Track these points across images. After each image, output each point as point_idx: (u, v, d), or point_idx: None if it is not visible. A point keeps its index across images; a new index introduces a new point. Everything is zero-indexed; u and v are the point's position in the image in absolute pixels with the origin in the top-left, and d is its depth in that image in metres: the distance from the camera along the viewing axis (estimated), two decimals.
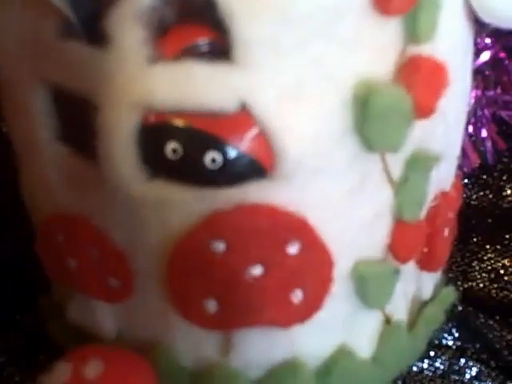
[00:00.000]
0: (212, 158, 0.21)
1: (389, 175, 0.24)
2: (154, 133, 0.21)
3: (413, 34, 0.22)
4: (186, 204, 0.22)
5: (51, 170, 0.25)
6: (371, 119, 0.22)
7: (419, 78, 0.23)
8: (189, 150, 0.21)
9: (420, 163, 0.25)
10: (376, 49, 0.22)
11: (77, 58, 0.22)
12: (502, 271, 0.38)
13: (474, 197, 0.40)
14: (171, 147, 0.21)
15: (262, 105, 0.21)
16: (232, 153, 0.21)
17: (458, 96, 0.26)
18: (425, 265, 0.29)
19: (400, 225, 0.26)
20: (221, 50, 0.20)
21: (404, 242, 0.26)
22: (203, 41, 0.20)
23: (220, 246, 0.22)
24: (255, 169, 0.21)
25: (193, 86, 0.21)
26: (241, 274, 0.23)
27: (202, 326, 0.24)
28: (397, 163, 0.24)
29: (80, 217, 0.25)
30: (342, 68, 0.22)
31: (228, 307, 0.24)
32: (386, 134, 0.23)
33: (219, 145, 0.21)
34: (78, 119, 0.24)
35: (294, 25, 0.20)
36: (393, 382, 0.31)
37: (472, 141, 0.36)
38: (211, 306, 0.24)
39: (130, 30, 0.21)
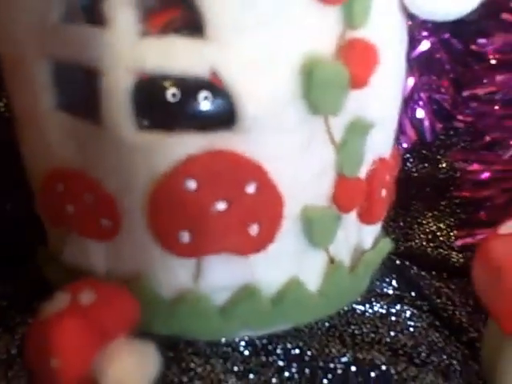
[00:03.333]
0: (205, 96, 0.26)
1: (331, 137, 0.30)
2: (155, 83, 0.27)
3: (349, 20, 0.28)
4: (167, 149, 0.27)
5: (52, 133, 0.30)
6: (315, 87, 0.27)
7: (354, 56, 0.28)
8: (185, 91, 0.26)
9: (357, 128, 0.31)
10: (320, 31, 0.28)
11: (80, 36, 0.27)
12: (438, 233, 0.45)
13: (415, 169, 0.46)
14: (171, 92, 0.26)
15: (227, 73, 0.26)
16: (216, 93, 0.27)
17: (390, 75, 0.32)
18: (364, 218, 0.34)
19: (341, 179, 0.31)
20: (196, 27, 0.26)
21: (344, 193, 0.31)
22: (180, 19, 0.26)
23: (192, 185, 0.28)
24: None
25: (174, 56, 0.26)
26: (208, 209, 0.28)
27: (177, 254, 0.30)
28: (338, 128, 0.30)
29: (76, 169, 0.30)
30: (293, 46, 0.27)
31: (198, 237, 0.29)
32: (327, 100, 0.28)
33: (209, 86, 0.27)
34: (77, 86, 0.30)
35: (254, 9, 0.26)
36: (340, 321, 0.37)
37: (410, 120, 0.42)
38: (185, 236, 0.29)
39: (124, 12, 0.26)
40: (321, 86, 0.27)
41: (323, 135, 0.30)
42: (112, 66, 0.27)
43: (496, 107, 0.40)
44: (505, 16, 0.37)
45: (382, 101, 0.32)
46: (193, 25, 0.26)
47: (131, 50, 0.26)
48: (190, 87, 0.27)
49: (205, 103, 0.27)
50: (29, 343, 0.29)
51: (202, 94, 0.27)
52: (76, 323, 0.28)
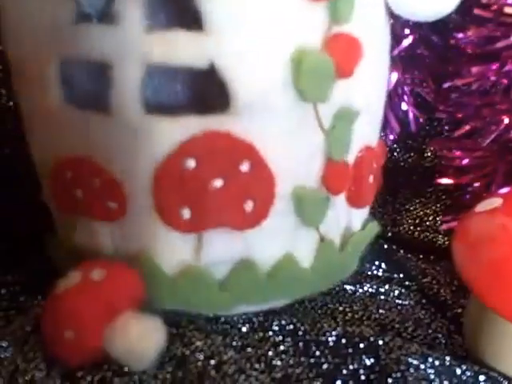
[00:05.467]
0: None
1: (320, 123, 0.32)
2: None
3: (334, 16, 0.31)
4: (169, 131, 0.30)
5: (60, 124, 0.33)
6: (304, 76, 0.30)
7: (339, 48, 0.31)
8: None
9: (344, 116, 0.33)
10: (308, 26, 0.30)
11: (91, 35, 0.30)
12: (424, 218, 0.47)
13: (401, 159, 0.48)
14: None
15: (223, 62, 0.29)
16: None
17: (374, 67, 0.34)
18: (353, 202, 0.37)
19: (330, 162, 0.33)
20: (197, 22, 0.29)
21: (333, 176, 0.34)
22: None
23: (192, 164, 0.30)
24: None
25: (176, 48, 0.29)
26: (207, 186, 0.31)
27: (179, 230, 0.32)
28: (326, 115, 0.32)
29: (84, 156, 0.32)
30: (283, 38, 0.30)
31: (198, 213, 0.31)
32: (314, 88, 0.31)
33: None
34: (82, 80, 0.32)
35: (248, 6, 0.29)
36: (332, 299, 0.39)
37: (395, 113, 0.45)
38: (186, 212, 0.31)
39: (132, 10, 0.29)
40: (309, 75, 0.30)
41: (312, 121, 0.32)
42: (122, 59, 0.29)
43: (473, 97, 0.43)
44: (477, 11, 0.40)
45: (367, 91, 0.34)
46: (192, 19, 0.29)
47: (140, 44, 0.29)
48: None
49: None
50: (45, 317, 0.31)
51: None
52: (88, 297, 0.31)
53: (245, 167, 0.31)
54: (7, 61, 0.35)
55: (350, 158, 0.35)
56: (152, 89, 0.30)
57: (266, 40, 0.29)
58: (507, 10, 0.40)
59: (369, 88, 0.35)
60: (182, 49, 0.29)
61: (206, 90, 0.30)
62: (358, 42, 0.32)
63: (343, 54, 0.31)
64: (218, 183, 0.31)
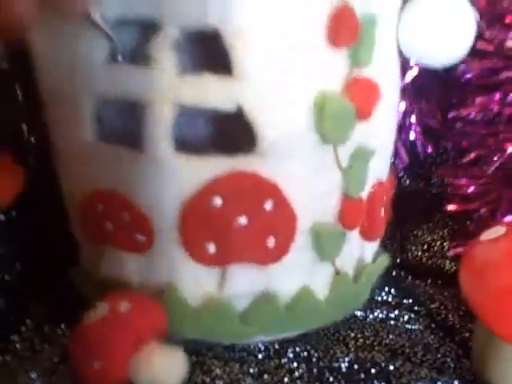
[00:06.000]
0: None
1: (339, 163, 0.34)
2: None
3: (355, 61, 0.32)
4: (197, 170, 0.31)
5: (92, 160, 0.34)
6: (326, 120, 0.31)
7: (359, 92, 0.32)
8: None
9: (361, 155, 0.35)
10: (330, 71, 0.32)
11: (125, 75, 0.31)
12: (432, 244, 0.48)
13: (409, 186, 0.49)
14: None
15: (250, 105, 0.30)
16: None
17: (389, 107, 0.36)
18: (366, 235, 0.38)
19: (346, 199, 0.35)
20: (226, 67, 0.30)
21: (349, 212, 0.35)
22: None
23: (218, 202, 0.32)
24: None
25: (206, 92, 0.30)
26: (232, 223, 0.32)
27: (204, 264, 0.33)
28: (344, 155, 0.34)
29: (115, 191, 0.34)
30: (307, 83, 0.31)
31: (222, 248, 0.33)
32: (336, 131, 0.32)
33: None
34: (114, 118, 0.33)
35: (274, 53, 0.30)
36: (343, 326, 0.41)
37: (403, 143, 0.46)
38: (211, 247, 0.33)
39: (166, 54, 0.30)
40: (331, 119, 0.31)
41: (332, 161, 0.34)
42: (155, 100, 0.31)
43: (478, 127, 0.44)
44: (480, 45, 0.41)
45: (382, 131, 0.36)
46: (221, 64, 0.30)
47: (172, 86, 0.31)
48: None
49: None
50: (74, 348, 0.32)
51: None
52: (115, 329, 0.32)
53: (268, 205, 0.32)
54: (32, 99, 0.36)
55: (364, 194, 0.37)
56: (182, 128, 0.32)
57: (291, 85, 0.31)
58: (508, 43, 0.41)
59: (384, 127, 0.36)
60: (211, 92, 0.30)
61: (234, 132, 0.32)
62: (376, 85, 0.33)
63: (363, 97, 0.33)
64: (243, 220, 0.32)
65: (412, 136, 0.46)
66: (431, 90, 0.46)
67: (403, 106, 0.45)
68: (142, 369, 0.32)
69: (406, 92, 0.45)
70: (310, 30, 0.30)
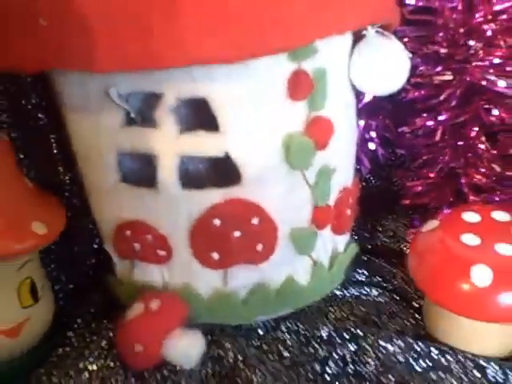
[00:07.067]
0: None
1: (307, 182, 0.42)
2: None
3: (312, 107, 0.40)
4: (200, 200, 0.40)
5: (119, 197, 0.41)
6: (292, 155, 0.40)
7: (316, 130, 0.41)
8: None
9: (324, 174, 0.43)
10: (292, 117, 0.40)
11: (139, 134, 0.39)
12: (396, 231, 0.56)
13: (374, 185, 0.58)
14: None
15: (234, 153, 0.39)
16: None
17: (344, 133, 0.44)
18: (336, 231, 0.47)
19: (316, 208, 0.43)
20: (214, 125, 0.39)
21: (319, 217, 0.44)
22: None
23: (217, 222, 0.40)
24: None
25: (201, 144, 0.39)
26: (229, 236, 0.41)
27: (211, 267, 0.42)
28: (311, 175, 0.42)
29: (139, 220, 0.42)
30: (276, 129, 0.40)
31: (224, 255, 0.41)
32: (301, 161, 0.41)
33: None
34: (136, 166, 0.42)
35: (246, 112, 0.38)
36: (325, 303, 0.48)
37: (365, 153, 0.54)
38: (215, 255, 0.41)
39: (168, 117, 0.39)
40: (296, 154, 0.40)
41: (301, 182, 0.42)
42: (163, 152, 0.39)
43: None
44: (414, 80, 0.49)
45: (340, 152, 0.44)
46: (211, 123, 0.39)
47: (175, 142, 0.39)
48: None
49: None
50: (120, 338, 0.41)
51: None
52: (150, 321, 0.40)
53: (255, 221, 0.40)
54: (66, 147, 0.44)
55: (331, 201, 0.45)
56: (186, 171, 0.40)
57: (263, 133, 0.39)
58: (435, 78, 0.50)
59: (341, 149, 0.44)
60: (205, 144, 0.39)
61: (224, 171, 0.40)
62: (330, 122, 0.41)
63: (320, 133, 0.41)
64: (237, 234, 0.41)
65: (373, 146, 0.55)
66: (384, 109, 0.54)
67: (363, 122, 0.55)
68: (172, 349, 0.40)
69: (364, 111, 0.53)
70: (274, 92, 0.38)
